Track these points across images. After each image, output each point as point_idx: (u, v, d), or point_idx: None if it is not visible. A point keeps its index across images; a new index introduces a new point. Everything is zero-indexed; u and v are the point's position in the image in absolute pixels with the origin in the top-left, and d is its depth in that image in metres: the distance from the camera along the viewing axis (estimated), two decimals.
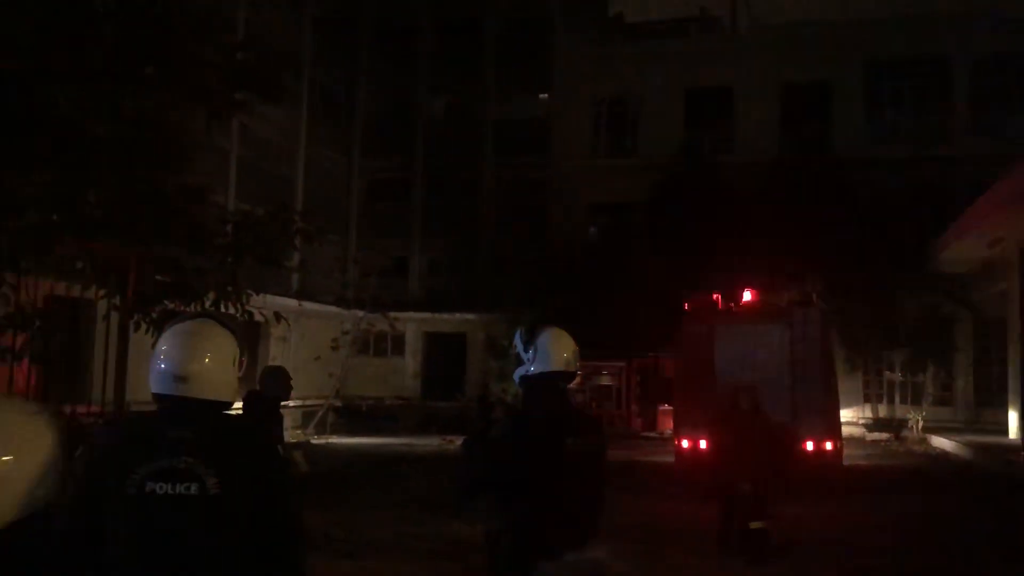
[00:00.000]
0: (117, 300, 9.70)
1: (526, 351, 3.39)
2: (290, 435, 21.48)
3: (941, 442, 20.13)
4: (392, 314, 21.95)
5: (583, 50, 29.07)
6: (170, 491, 2.29)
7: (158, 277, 10.11)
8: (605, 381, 23.32)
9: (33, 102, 7.04)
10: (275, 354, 26.40)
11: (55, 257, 9.16)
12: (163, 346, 2.44)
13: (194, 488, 2.30)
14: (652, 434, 21.60)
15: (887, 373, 24.00)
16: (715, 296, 13.72)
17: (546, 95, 29.96)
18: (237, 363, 2.53)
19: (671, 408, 16.53)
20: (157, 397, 2.43)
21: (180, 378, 2.40)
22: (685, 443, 12.98)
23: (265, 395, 5.68)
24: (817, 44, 26.05)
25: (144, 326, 9.51)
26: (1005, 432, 19.04)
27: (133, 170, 8.85)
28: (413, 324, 28.58)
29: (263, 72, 11.25)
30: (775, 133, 26.21)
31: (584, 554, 2.85)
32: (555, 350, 3.34)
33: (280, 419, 5.84)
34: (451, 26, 30.93)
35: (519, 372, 3.43)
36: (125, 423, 2.96)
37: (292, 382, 5.77)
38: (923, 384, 22.95)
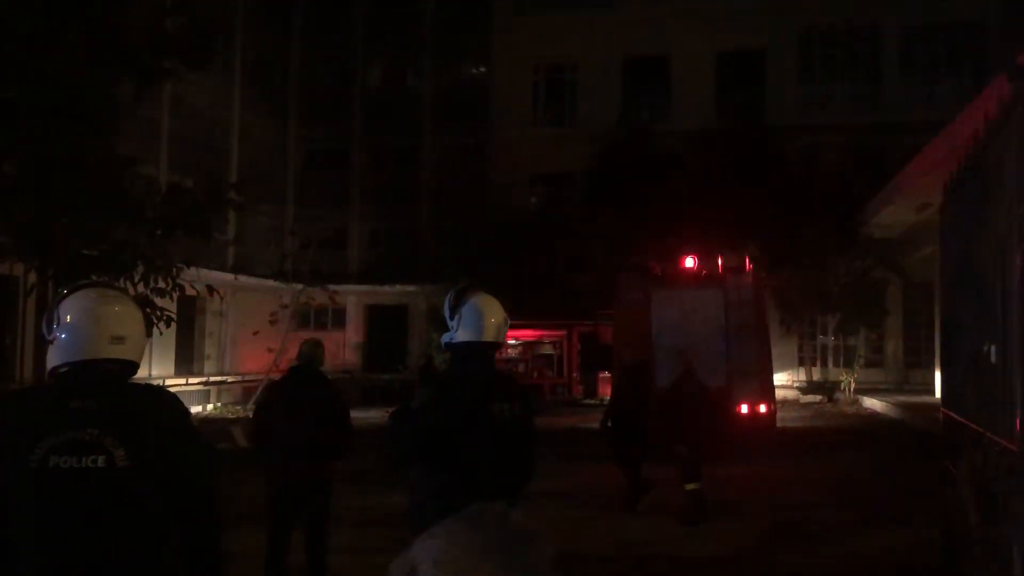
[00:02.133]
0: (42, 274, 9.42)
1: (451, 317, 3.36)
2: (228, 411, 21.22)
3: (872, 403, 20.75)
4: (332, 287, 21.72)
5: (521, 18, 28.88)
6: (75, 464, 2.16)
7: (84, 251, 9.82)
8: (546, 350, 23.45)
9: None
10: (211, 329, 25.99)
11: None
12: (78, 311, 2.34)
13: (101, 461, 2.17)
14: (592, 401, 21.84)
15: (820, 337, 24.60)
16: (651, 263, 13.87)
17: (484, 64, 29.73)
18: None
19: (610, 375, 16.73)
20: (59, 371, 2.33)
21: (118, 338, 2.31)
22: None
23: (305, 364, 5.75)
24: (752, 13, 26.28)
25: (64, 292, 9.22)
26: (933, 392, 19.70)
27: (52, 137, 8.54)
28: (353, 297, 28.32)
29: (192, 39, 10.94)
30: (711, 101, 26.48)
31: (487, 506, 2.84)
32: (481, 317, 3.30)
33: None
34: None
35: (444, 338, 3.40)
36: (23, 395, 2.81)
37: (322, 352, 5.85)
38: (855, 347, 23.57)
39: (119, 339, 2.31)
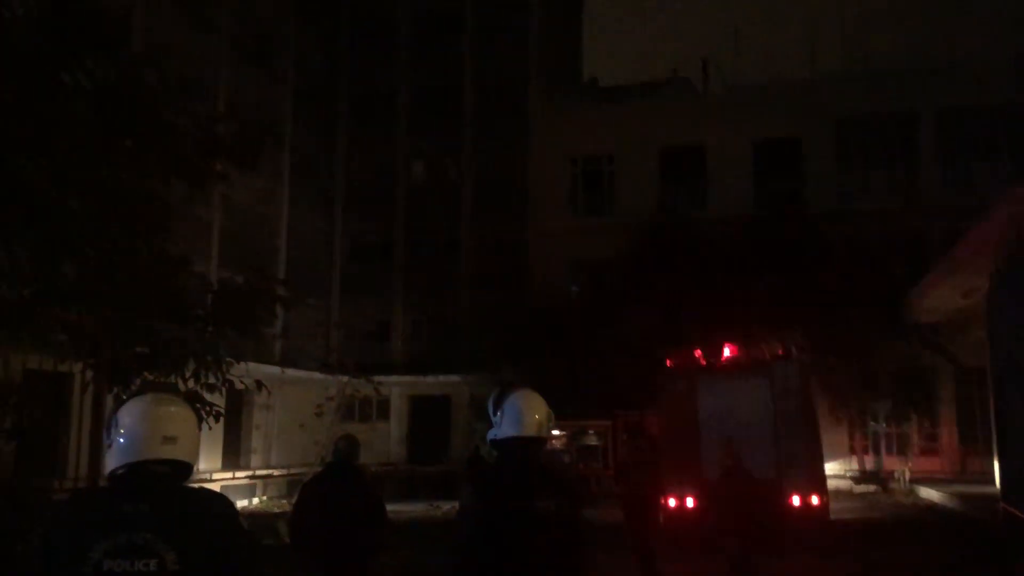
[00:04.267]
0: (97, 372, 9.62)
1: (495, 413, 3.39)
2: (274, 504, 21.17)
3: (929, 493, 20.05)
4: (376, 378, 21.84)
5: (559, 112, 29.59)
6: (128, 568, 2.24)
7: (137, 348, 10.05)
8: (591, 440, 23.17)
9: (4, 175, 7.05)
10: (258, 422, 26.16)
11: (32, 330, 9.10)
12: (135, 415, 2.43)
13: (153, 565, 2.25)
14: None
15: (871, 424, 24.00)
16: (696, 352, 13.77)
17: (522, 157, 30.36)
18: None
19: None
20: (118, 473, 2.40)
21: (169, 439, 2.39)
22: (672, 501, 12.88)
23: (341, 461, 5.79)
24: (787, 102, 26.63)
25: (124, 399, 9.39)
26: (992, 482, 18.98)
27: (109, 240, 8.85)
28: (397, 388, 28.40)
29: (243, 142, 11.35)
30: (749, 189, 26.63)
31: None
32: (523, 413, 3.33)
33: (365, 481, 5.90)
34: (429, 91, 31.42)
35: (489, 435, 3.43)
36: (77, 498, 2.88)
37: (358, 448, 5.90)
38: (908, 435, 22.94)
39: (171, 439, 2.39)
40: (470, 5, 31.30)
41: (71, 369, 9.60)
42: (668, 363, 14.00)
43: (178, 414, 2.48)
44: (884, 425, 23.48)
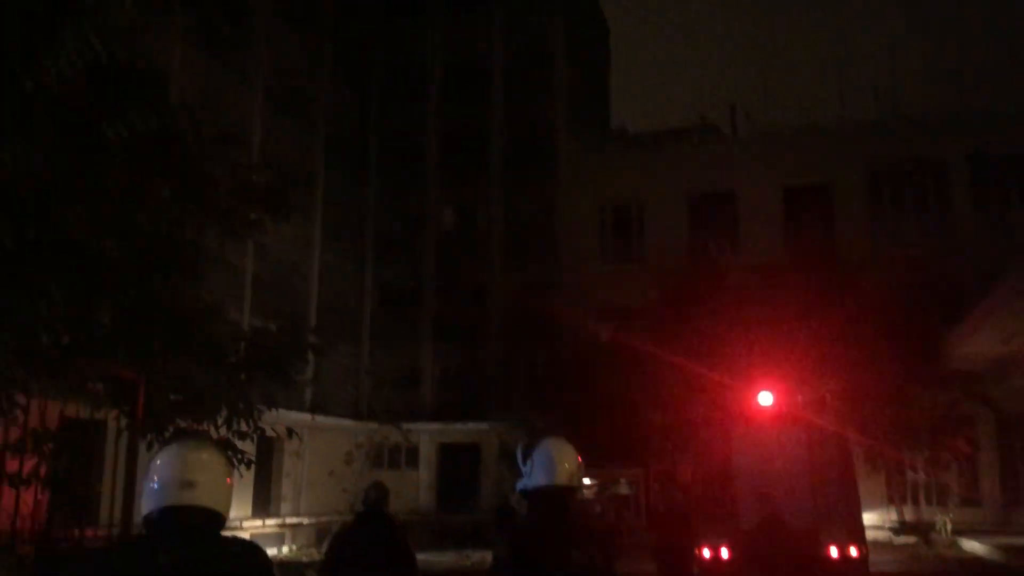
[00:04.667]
0: (132, 419, 9.69)
1: (524, 463, 3.35)
2: (303, 553, 21.05)
3: (972, 545, 19.50)
4: (405, 425, 21.82)
5: (587, 158, 29.77)
6: None
7: (171, 396, 10.12)
8: (623, 490, 22.86)
9: (46, 224, 7.20)
10: (288, 469, 26.15)
11: (70, 378, 9.20)
12: (162, 461, 2.46)
13: None
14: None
15: (910, 473, 23.46)
16: (729, 399, 13.61)
17: (551, 203, 30.52)
18: (232, 476, 2.55)
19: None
20: (151, 518, 2.42)
21: (188, 483, 2.39)
22: (706, 552, 12.62)
23: (371, 510, 5.78)
24: (817, 148, 26.61)
25: (156, 446, 9.44)
26: None
27: (146, 288, 8.98)
28: (426, 435, 28.32)
29: (277, 191, 11.52)
30: (779, 235, 26.51)
31: None
32: (555, 462, 3.29)
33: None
34: (459, 138, 31.80)
35: (519, 485, 3.40)
36: (113, 549, 2.88)
37: (388, 496, 5.89)
38: (947, 484, 22.39)
39: (190, 484, 2.40)
40: (498, 54, 31.78)
41: (105, 416, 9.67)
42: (701, 410, 13.86)
43: (200, 459, 2.49)
44: (923, 475, 22.95)
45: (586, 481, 21.04)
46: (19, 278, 7.29)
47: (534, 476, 3.30)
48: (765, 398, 13.27)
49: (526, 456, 3.35)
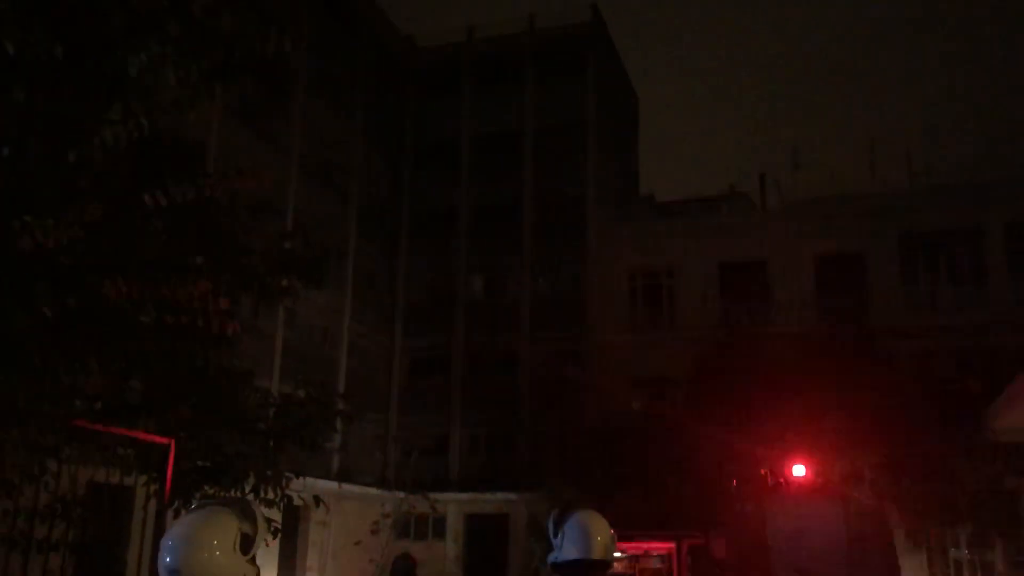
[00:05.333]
0: (156, 487, 9.67)
1: (555, 535, 3.28)
2: None
3: None
4: (433, 495, 21.54)
5: (616, 227, 29.88)
6: None
7: (199, 462, 10.10)
8: (655, 563, 22.30)
9: (85, 294, 7.33)
10: (315, 539, 25.87)
11: (101, 445, 9.23)
12: (166, 539, 2.45)
13: None
14: None
15: (952, 550, 22.66)
16: (764, 472, 13.36)
17: (581, 271, 30.58)
18: (238, 546, 2.50)
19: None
20: None
21: (174, 571, 2.38)
22: None
23: None
24: (848, 217, 26.53)
25: (184, 513, 9.39)
26: None
27: (179, 356, 9.05)
28: (454, 505, 27.96)
29: (309, 260, 11.65)
30: (812, 304, 26.28)
31: None
32: (588, 535, 3.22)
33: None
34: (489, 207, 32.12)
35: (551, 558, 3.32)
36: None
37: (415, 567, 5.81)
38: (992, 563, 21.59)
39: (175, 573, 2.38)
40: (529, 125, 32.25)
41: (134, 482, 9.68)
42: (734, 483, 13.59)
43: (191, 537, 2.45)
44: (966, 552, 22.16)
45: (616, 554, 20.58)
46: (58, 348, 7.39)
47: (566, 549, 3.22)
48: (799, 470, 13.02)
49: (557, 527, 3.28)
